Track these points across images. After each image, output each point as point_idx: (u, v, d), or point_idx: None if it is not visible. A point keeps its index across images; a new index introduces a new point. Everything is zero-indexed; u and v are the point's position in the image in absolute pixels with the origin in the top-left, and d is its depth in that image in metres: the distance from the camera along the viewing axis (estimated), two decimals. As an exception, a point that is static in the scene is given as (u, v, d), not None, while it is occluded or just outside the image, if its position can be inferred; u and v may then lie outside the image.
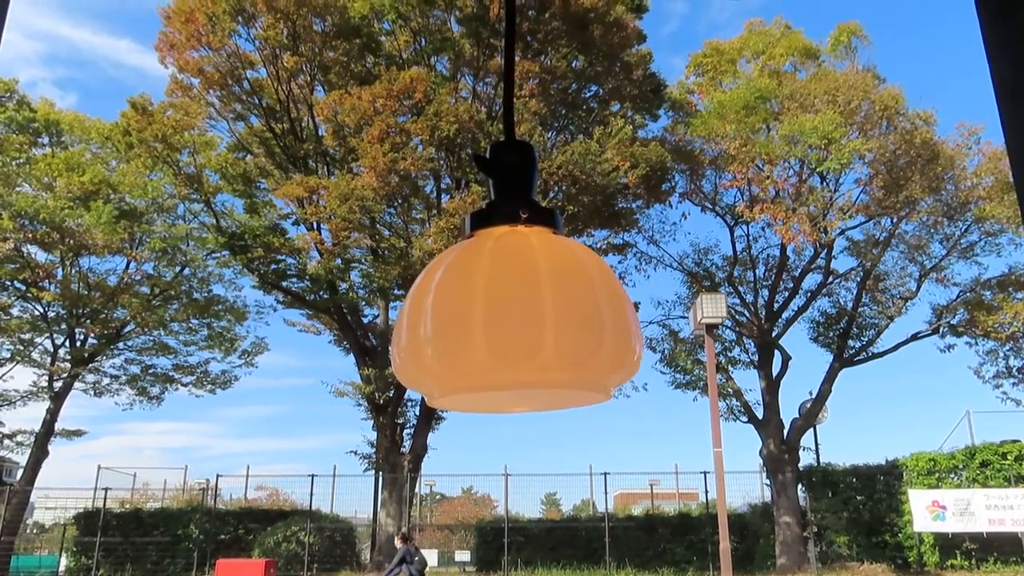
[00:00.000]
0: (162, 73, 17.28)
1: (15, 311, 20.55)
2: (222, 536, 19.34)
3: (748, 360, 20.48)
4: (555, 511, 28.79)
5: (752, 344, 20.28)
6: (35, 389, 21.18)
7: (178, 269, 21.30)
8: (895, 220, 19.00)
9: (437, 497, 30.17)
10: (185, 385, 22.56)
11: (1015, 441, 17.53)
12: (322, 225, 17.86)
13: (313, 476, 19.86)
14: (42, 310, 20.53)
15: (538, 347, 0.71)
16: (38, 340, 21.24)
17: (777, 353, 19.84)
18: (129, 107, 16.78)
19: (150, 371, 22.25)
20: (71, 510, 21.16)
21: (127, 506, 21.68)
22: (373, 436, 19.64)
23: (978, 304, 18.65)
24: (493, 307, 0.73)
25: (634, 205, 19.44)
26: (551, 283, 0.74)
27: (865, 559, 17.88)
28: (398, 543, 12.86)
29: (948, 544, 16.94)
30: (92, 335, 20.56)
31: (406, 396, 18.78)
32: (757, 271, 20.49)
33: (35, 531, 28.83)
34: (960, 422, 30.28)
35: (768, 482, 19.50)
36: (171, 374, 22.39)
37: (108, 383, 21.97)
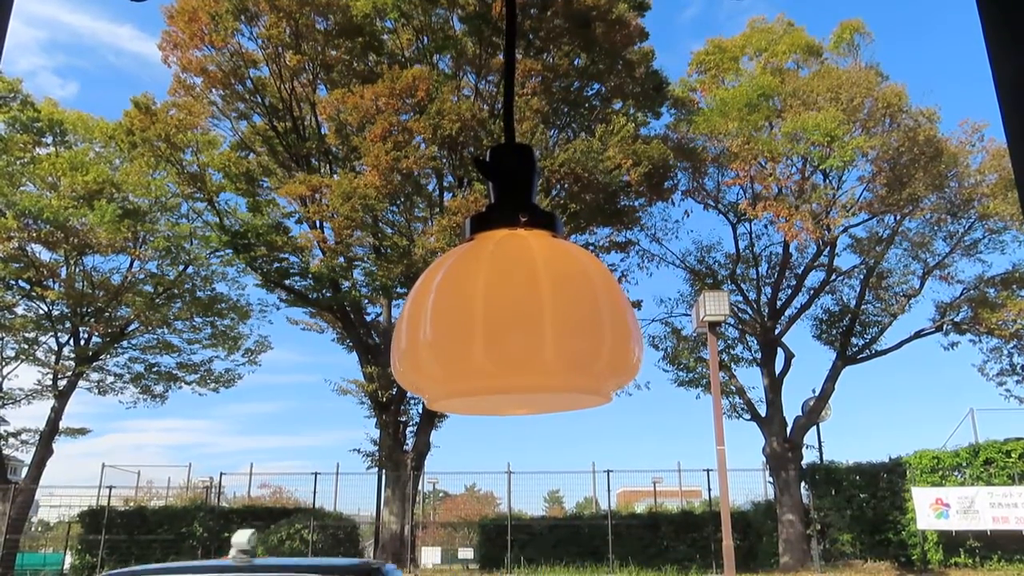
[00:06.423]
0: (164, 62, 17.28)
1: (20, 310, 20.63)
2: (226, 534, 19.36)
3: (751, 358, 20.48)
4: (558, 508, 28.79)
5: (755, 342, 20.26)
6: (39, 387, 21.27)
7: (181, 268, 21.34)
8: (898, 217, 18.96)
9: (440, 495, 30.22)
10: (189, 383, 22.63)
11: (1019, 439, 17.48)
12: (325, 224, 17.88)
13: (316, 474, 19.97)
14: (46, 309, 20.59)
15: (537, 351, 0.71)
16: (42, 339, 21.33)
17: (780, 351, 19.82)
18: (132, 106, 16.81)
19: (154, 369, 22.31)
20: (75, 508, 21.25)
21: (131, 504, 21.76)
22: (376, 434, 19.69)
23: (982, 301, 18.60)
24: (493, 311, 0.73)
25: (636, 203, 19.43)
26: (550, 287, 0.74)
27: (868, 557, 17.87)
28: None
29: (952, 542, 16.91)
30: (96, 334, 20.62)
31: (409, 394, 18.81)
32: (760, 269, 20.48)
33: (40, 529, 28.98)
34: (964, 420, 30.29)
35: (771, 480, 19.49)
36: (175, 372, 22.45)
37: (112, 381, 22.06)
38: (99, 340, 20.77)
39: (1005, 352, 19.37)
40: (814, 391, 19.70)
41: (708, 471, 19.67)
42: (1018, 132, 0.84)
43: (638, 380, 19.09)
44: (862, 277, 19.88)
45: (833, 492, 18.73)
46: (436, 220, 16.64)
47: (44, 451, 20.07)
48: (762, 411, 19.55)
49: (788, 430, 19.21)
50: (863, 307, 19.94)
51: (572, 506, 26.55)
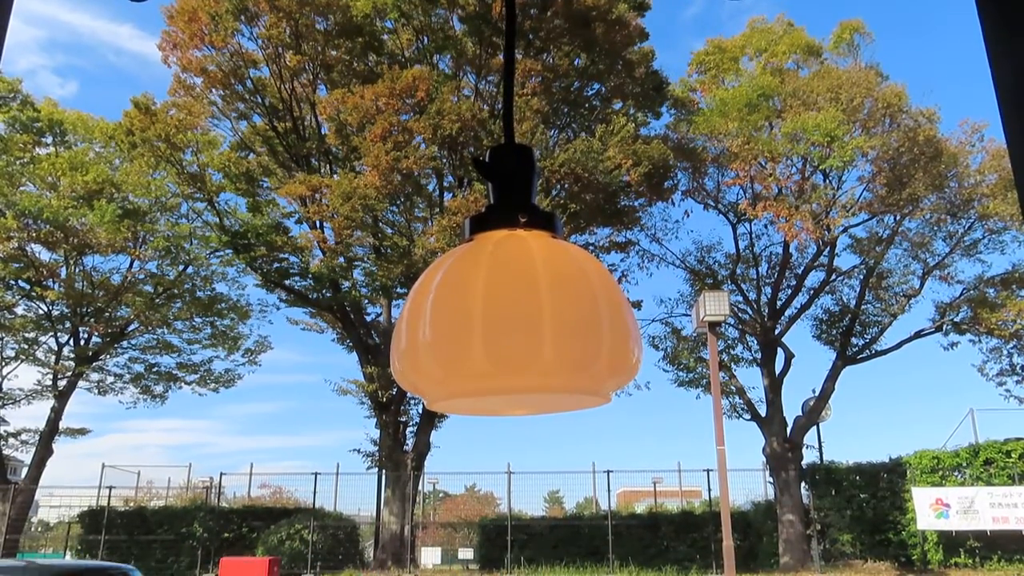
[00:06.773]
0: (164, 62, 17.30)
1: (19, 310, 20.65)
2: (226, 534, 19.39)
3: (751, 358, 20.47)
4: (558, 509, 28.79)
5: (755, 342, 20.26)
6: (39, 388, 21.28)
7: (181, 268, 21.35)
8: (898, 217, 18.96)
9: (440, 495, 30.21)
10: (189, 383, 22.63)
11: (1019, 439, 17.48)
12: (325, 224, 17.88)
13: (316, 474, 19.94)
14: (46, 309, 20.60)
15: (536, 352, 0.71)
16: (42, 339, 21.34)
17: (780, 351, 19.82)
18: (132, 106, 16.81)
19: (154, 369, 22.32)
20: (75, 508, 21.26)
21: (131, 504, 21.76)
22: (376, 434, 19.69)
23: (982, 301, 18.60)
24: (492, 312, 0.73)
25: (636, 203, 19.43)
26: (550, 287, 0.74)
27: (868, 557, 17.87)
28: None
29: (952, 542, 16.91)
30: (96, 334, 20.62)
31: (409, 394, 18.80)
32: (760, 269, 20.48)
33: (40, 529, 28.97)
34: (964, 420, 30.33)
35: (771, 480, 19.49)
36: (175, 372, 22.46)
37: (112, 381, 22.07)
38: (99, 340, 20.78)
39: (1005, 352, 19.38)
40: (814, 391, 19.71)
41: (708, 471, 19.69)
42: (1018, 132, 0.84)
43: (638, 380, 19.09)
44: (862, 277, 19.88)
45: (833, 492, 18.72)
46: (436, 220, 16.64)
47: (44, 451, 20.08)
48: (762, 411, 19.55)
49: (788, 430, 19.21)
50: (863, 307, 19.94)
51: (572, 506, 26.57)
